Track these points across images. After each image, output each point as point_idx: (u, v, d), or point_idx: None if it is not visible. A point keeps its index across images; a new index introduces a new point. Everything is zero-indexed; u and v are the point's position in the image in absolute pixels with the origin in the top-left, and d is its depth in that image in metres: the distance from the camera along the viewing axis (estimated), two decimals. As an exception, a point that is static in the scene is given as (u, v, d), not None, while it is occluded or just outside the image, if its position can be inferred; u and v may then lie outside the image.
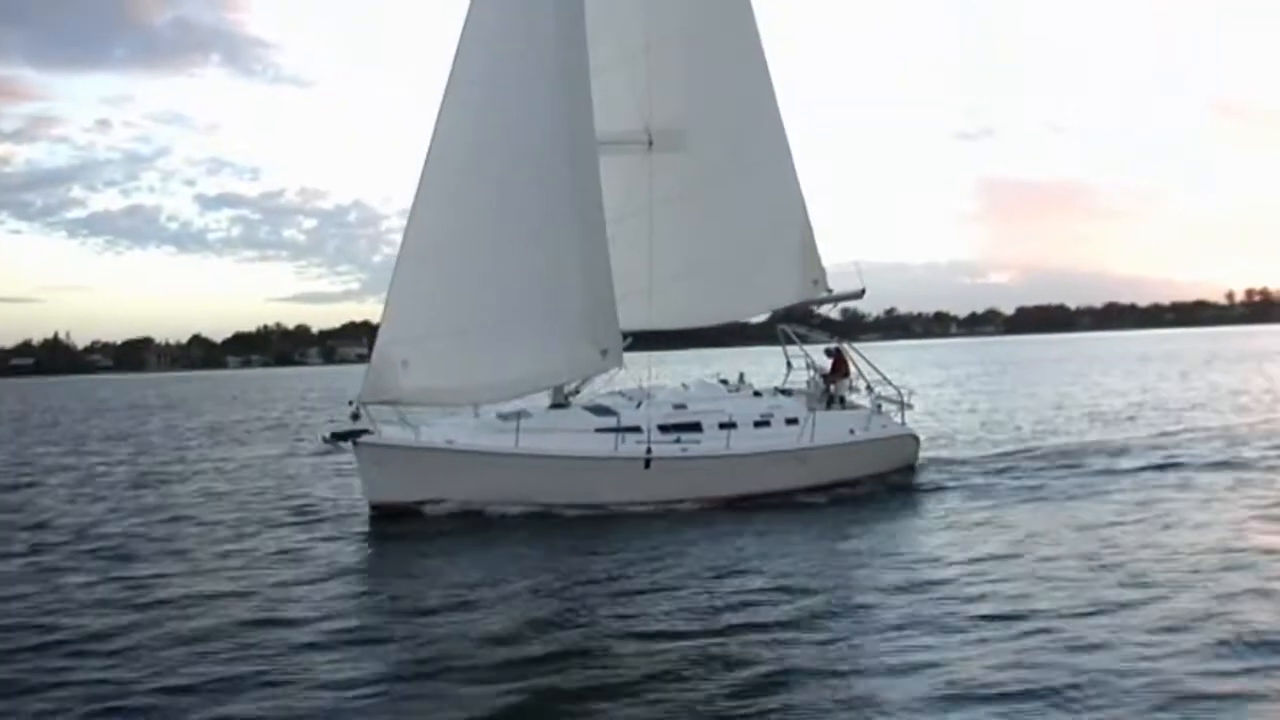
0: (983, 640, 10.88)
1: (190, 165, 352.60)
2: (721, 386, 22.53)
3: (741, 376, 23.26)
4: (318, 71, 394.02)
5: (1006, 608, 12.03)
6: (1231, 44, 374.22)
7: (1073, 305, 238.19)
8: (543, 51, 19.41)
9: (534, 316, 19.48)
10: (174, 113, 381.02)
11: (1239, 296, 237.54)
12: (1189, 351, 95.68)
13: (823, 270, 23.09)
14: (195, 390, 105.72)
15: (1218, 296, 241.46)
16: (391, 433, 19.08)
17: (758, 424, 20.73)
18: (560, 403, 20.63)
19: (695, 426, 20.15)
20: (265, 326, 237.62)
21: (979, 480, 21.62)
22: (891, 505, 19.88)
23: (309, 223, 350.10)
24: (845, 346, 23.40)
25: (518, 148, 19.21)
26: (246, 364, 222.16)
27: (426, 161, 18.94)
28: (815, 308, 23.90)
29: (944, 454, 25.34)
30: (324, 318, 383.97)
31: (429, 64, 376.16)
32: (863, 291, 23.41)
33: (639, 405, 20.14)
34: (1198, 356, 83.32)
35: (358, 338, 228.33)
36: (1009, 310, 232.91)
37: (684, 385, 22.42)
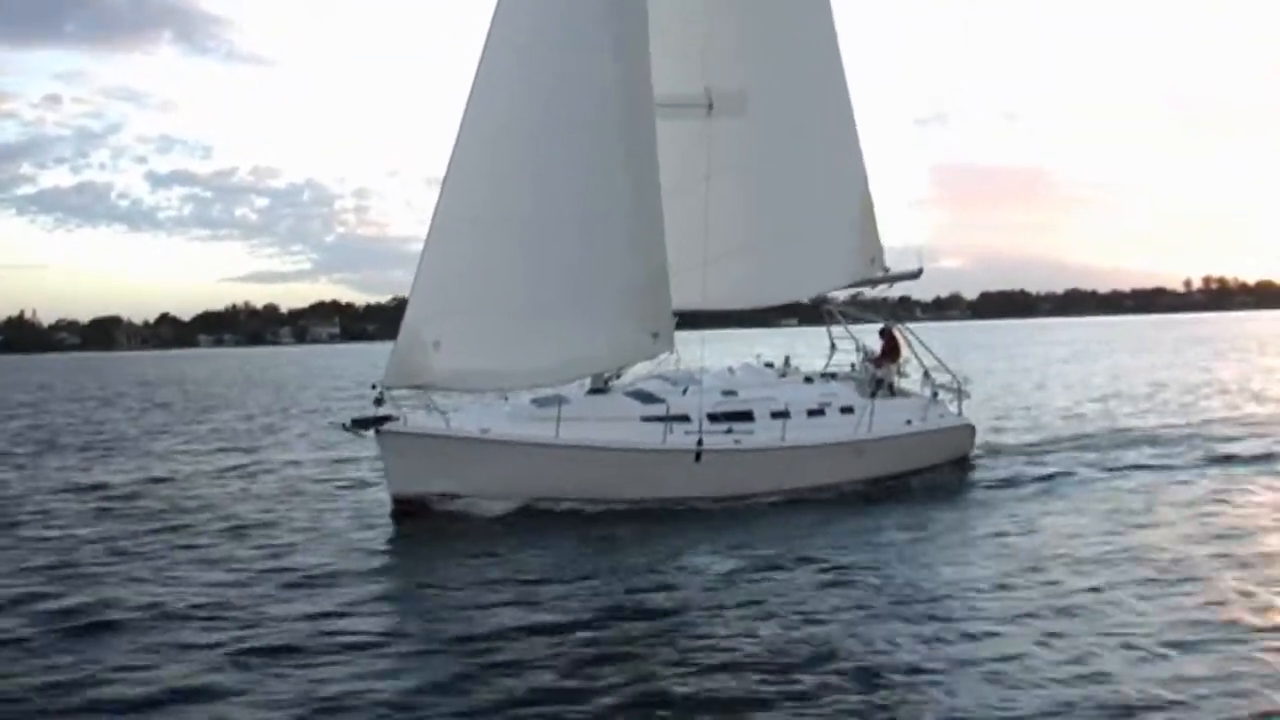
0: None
1: (142, 143, 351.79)
2: (769, 371, 21.04)
3: (787, 360, 21.76)
4: (272, 50, 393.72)
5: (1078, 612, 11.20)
6: (1190, 33, 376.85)
7: (1032, 291, 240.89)
8: (594, 6, 17.71)
9: (580, 296, 17.85)
10: (126, 89, 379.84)
11: (1196, 284, 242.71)
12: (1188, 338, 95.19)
13: (880, 248, 21.57)
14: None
15: (1174, 284, 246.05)
16: (418, 420, 17.47)
17: (812, 413, 19.27)
18: (600, 388, 19.01)
19: (747, 415, 18.66)
20: (234, 306, 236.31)
21: (1037, 472, 20.23)
22: (952, 501, 18.50)
23: (261, 202, 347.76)
24: (899, 327, 21.94)
25: (564, 110, 17.51)
26: (219, 343, 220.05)
27: (463, 124, 17.18)
28: (870, 288, 22.35)
29: (998, 440, 24.06)
30: (277, 297, 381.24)
31: (384, 44, 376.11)
32: (920, 272, 21.96)
33: (685, 391, 18.59)
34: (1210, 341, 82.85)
35: (328, 317, 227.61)
36: (971, 295, 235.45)
37: (730, 369, 20.88)
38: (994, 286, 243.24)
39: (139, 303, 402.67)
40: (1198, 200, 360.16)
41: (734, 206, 20.25)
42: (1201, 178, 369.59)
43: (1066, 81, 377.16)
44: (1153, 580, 12.40)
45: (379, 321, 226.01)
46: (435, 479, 17.03)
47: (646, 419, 18.01)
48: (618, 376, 19.53)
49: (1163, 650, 9.88)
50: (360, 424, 17.45)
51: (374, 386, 17.57)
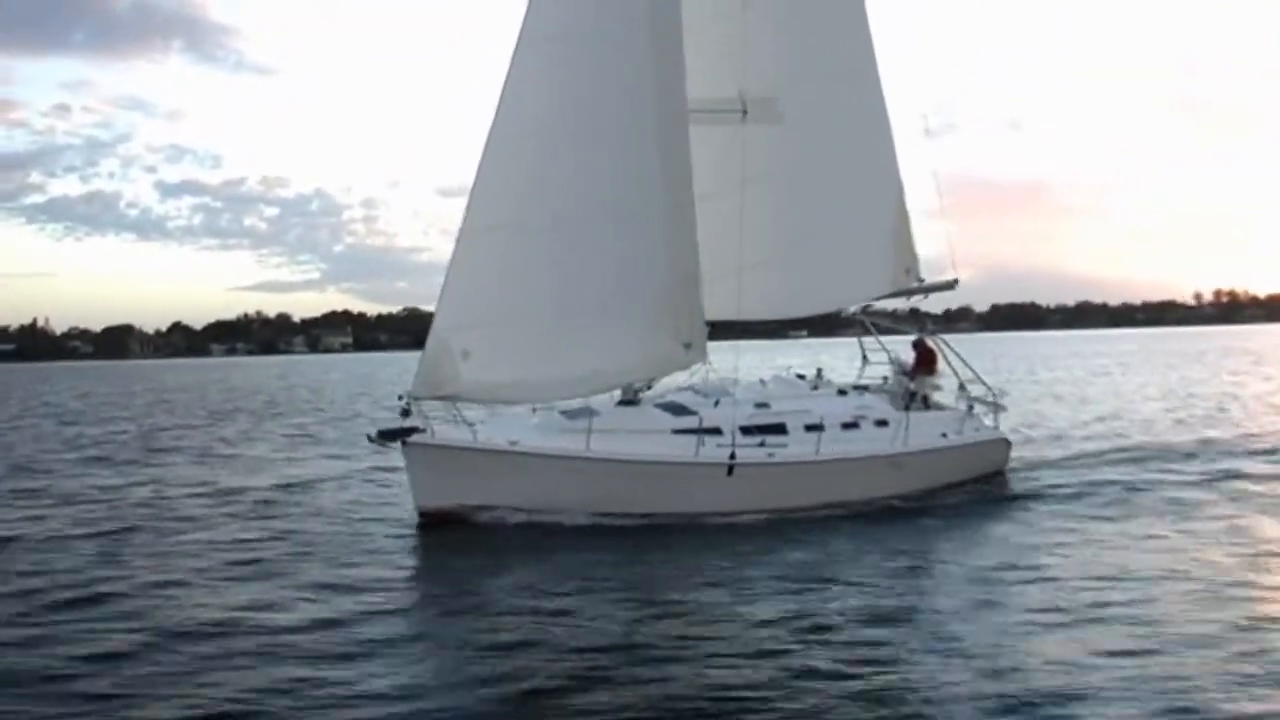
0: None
1: (151, 152, 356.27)
2: (802, 383, 20.61)
3: (819, 372, 21.31)
4: (280, 59, 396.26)
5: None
6: (1194, 39, 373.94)
7: (1040, 303, 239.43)
8: (628, 3, 17.36)
9: (613, 303, 17.46)
10: (134, 98, 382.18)
11: (1207, 297, 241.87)
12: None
13: (915, 257, 21.11)
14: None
15: (1183, 296, 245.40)
16: (445, 432, 17.09)
17: (846, 426, 18.84)
18: (630, 399, 18.62)
19: (780, 428, 18.22)
20: (246, 315, 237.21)
21: (1072, 487, 19.71)
22: (988, 517, 17.94)
23: (270, 211, 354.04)
24: (934, 339, 21.50)
25: (598, 112, 17.13)
26: (231, 352, 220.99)
27: (493, 126, 16.81)
28: (905, 298, 21.89)
29: (1032, 454, 23.56)
30: (286, 306, 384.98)
31: (392, 54, 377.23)
32: (955, 282, 21.56)
33: (717, 403, 18.17)
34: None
35: (340, 327, 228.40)
36: (980, 307, 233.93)
37: (761, 381, 20.46)
38: (1002, 298, 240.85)
39: (147, 311, 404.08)
40: (1206, 207, 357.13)
41: (768, 214, 19.77)
42: (1210, 183, 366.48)
43: (1070, 89, 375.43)
44: (1205, 598, 11.95)
45: (391, 331, 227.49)
46: (463, 492, 16.65)
47: (678, 431, 17.60)
48: (648, 388, 19.18)
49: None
50: (386, 436, 17.10)
51: (401, 397, 17.22)
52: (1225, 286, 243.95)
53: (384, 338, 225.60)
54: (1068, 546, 14.95)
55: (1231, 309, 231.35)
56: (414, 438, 16.63)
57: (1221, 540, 14.97)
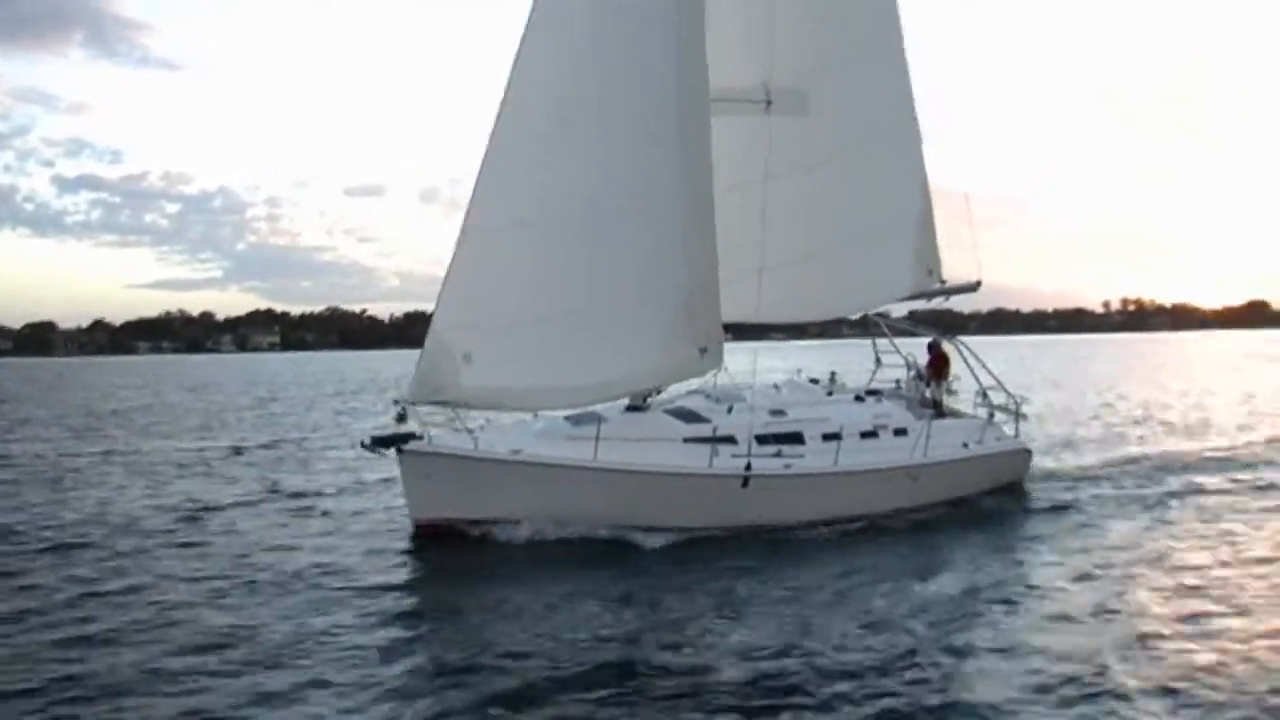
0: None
1: (49, 145, 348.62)
2: (817, 388, 19.62)
3: (833, 376, 20.36)
4: (186, 55, 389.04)
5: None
6: (1110, 48, 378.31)
7: (955, 309, 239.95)
8: None
9: (627, 306, 16.33)
10: (34, 90, 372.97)
11: (1115, 305, 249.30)
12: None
13: (938, 259, 20.19)
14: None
15: (1091, 304, 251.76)
16: (443, 439, 15.91)
17: (865, 435, 17.88)
18: (638, 405, 17.49)
19: (796, 437, 17.21)
20: (168, 312, 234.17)
21: (1094, 499, 18.99)
22: (1014, 531, 17.12)
23: (172, 208, 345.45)
24: (951, 342, 20.58)
25: (613, 100, 16.00)
26: (157, 350, 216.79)
27: (499, 115, 15.61)
28: (926, 301, 20.94)
29: (1051, 464, 22.76)
30: (187, 304, 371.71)
31: (298, 51, 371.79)
32: (979, 284, 20.68)
33: (731, 410, 17.13)
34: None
35: (267, 326, 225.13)
36: (898, 312, 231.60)
37: (775, 386, 19.41)
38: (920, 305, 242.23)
39: (54, 308, 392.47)
40: (1114, 220, 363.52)
41: (789, 212, 18.75)
42: (1118, 196, 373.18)
43: (978, 96, 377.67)
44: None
45: (316, 330, 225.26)
46: (461, 504, 15.52)
47: (690, 440, 16.56)
48: (657, 392, 18.04)
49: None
50: (381, 442, 15.90)
51: (396, 402, 16.03)
52: (1132, 295, 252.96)
53: (310, 337, 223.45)
54: (1096, 563, 14.20)
55: (1138, 317, 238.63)
56: (410, 445, 15.50)
57: (1260, 557, 14.34)
